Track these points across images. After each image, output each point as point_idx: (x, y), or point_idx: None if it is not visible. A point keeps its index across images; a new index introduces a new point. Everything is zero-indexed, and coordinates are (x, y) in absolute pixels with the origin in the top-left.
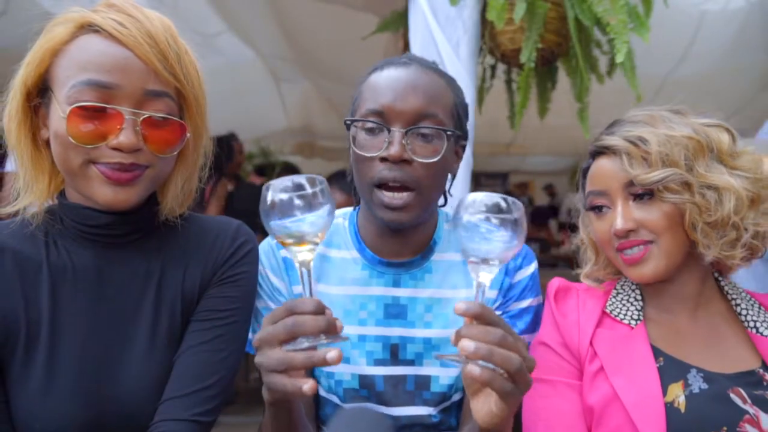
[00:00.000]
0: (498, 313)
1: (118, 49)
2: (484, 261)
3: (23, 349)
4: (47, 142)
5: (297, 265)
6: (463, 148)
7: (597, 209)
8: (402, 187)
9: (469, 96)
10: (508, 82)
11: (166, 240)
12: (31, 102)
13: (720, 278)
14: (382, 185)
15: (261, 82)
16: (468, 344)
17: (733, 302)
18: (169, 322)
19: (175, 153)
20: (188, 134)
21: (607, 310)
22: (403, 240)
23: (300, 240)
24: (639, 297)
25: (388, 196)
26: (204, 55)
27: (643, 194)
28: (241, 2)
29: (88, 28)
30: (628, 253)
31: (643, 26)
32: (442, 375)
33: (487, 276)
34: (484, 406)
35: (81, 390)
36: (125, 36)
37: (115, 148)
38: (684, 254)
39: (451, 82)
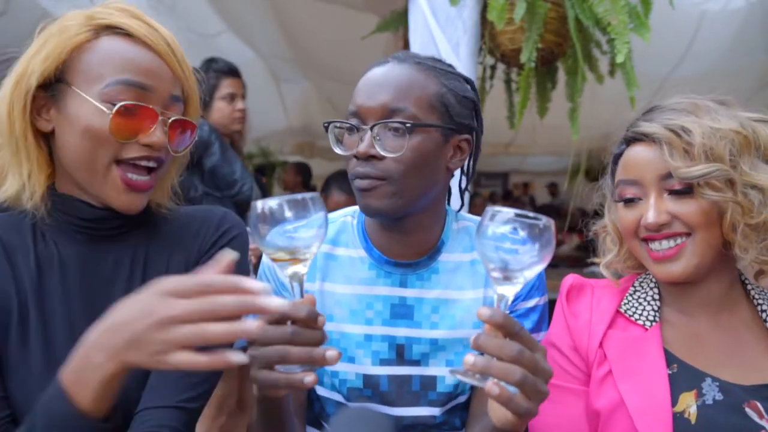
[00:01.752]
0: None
1: (150, 54)
2: (507, 278)
3: (18, 334)
4: (43, 134)
5: (287, 280)
6: (468, 140)
7: (627, 200)
8: (367, 177)
9: None
10: (508, 82)
11: (152, 231)
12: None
13: (747, 282)
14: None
15: (261, 82)
16: (468, 358)
17: (759, 308)
18: None
19: (185, 152)
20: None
21: (622, 309)
22: (408, 239)
23: (293, 254)
24: (657, 296)
25: (356, 182)
26: (204, 55)
27: (681, 189)
28: (241, 2)
29: (110, 29)
30: (658, 248)
31: (643, 26)
32: (448, 376)
33: (510, 289)
34: (500, 410)
35: None
36: (155, 43)
37: (146, 145)
38: (717, 255)
39: (440, 74)
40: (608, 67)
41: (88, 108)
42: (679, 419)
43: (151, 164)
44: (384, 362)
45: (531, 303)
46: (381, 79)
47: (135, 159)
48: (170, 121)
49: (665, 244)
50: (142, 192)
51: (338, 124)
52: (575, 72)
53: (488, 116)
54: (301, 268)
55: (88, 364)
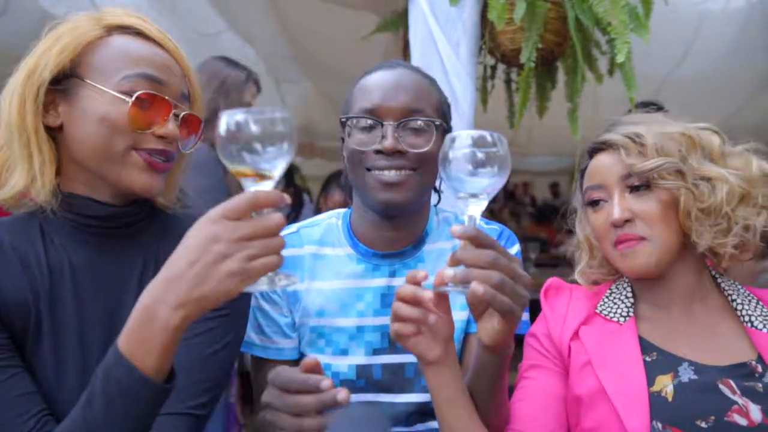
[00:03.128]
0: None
1: (162, 51)
2: (473, 195)
3: (33, 339)
4: (49, 129)
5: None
6: None
7: (594, 203)
8: (395, 167)
9: (469, 96)
10: (508, 82)
11: (160, 234)
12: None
13: (716, 275)
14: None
15: (261, 82)
16: (447, 271)
17: (729, 297)
18: None
19: (193, 148)
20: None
21: (598, 310)
22: (397, 230)
23: (257, 170)
24: (630, 295)
25: (385, 174)
26: (204, 54)
27: (640, 185)
28: (242, 2)
29: (121, 29)
30: (623, 243)
31: (642, 27)
32: None
33: (476, 209)
34: (488, 324)
35: (84, 384)
36: (165, 42)
37: (160, 136)
38: (677, 248)
39: (434, 83)
40: (607, 67)
41: (105, 98)
42: (656, 398)
43: (163, 158)
44: (377, 351)
45: (511, 252)
46: (399, 82)
47: (150, 150)
48: (182, 115)
49: (632, 244)
50: (161, 174)
51: (353, 122)
52: (575, 72)
53: (488, 116)
54: (265, 186)
55: (152, 322)
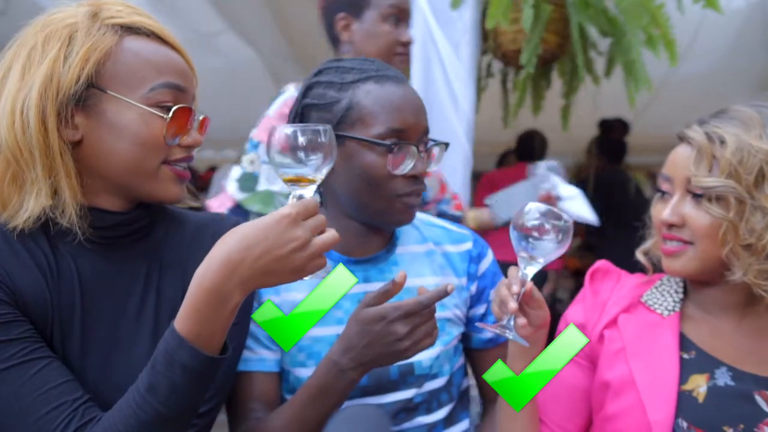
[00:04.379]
0: (485, 304)
1: (176, 54)
2: (533, 258)
3: (56, 337)
4: (65, 144)
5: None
6: None
7: (661, 192)
8: (416, 194)
9: (469, 96)
10: (504, 81)
11: (164, 239)
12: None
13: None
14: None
15: (261, 82)
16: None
17: None
18: (170, 325)
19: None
20: None
21: (643, 300)
22: (369, 237)
23: (302, 176)
24: (681, 290)
25: (412, 199)
26: (204, 54)
27: (700, 195)
28: (241, 2)
29: (129, 30)
30: (668, 244)
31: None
32: (423, 358)
33: (532, 270)
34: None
35: (88, 391)
36: (175, 42)
37: (187, 146)
38: (719, 266)
39: None
40: (604, 68)
41: (135, 113)
42: (687, 397)
43: (186, 166)
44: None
45: (488, 259)
46: (417, 101)
47: (179, 161)
48: (200, 119)
49: (669, 244)
50: (186, 181)
51: (396, 145)
52: (574, 74)
53: (485, 116)
54: (310, 190)
55: (225, 303)
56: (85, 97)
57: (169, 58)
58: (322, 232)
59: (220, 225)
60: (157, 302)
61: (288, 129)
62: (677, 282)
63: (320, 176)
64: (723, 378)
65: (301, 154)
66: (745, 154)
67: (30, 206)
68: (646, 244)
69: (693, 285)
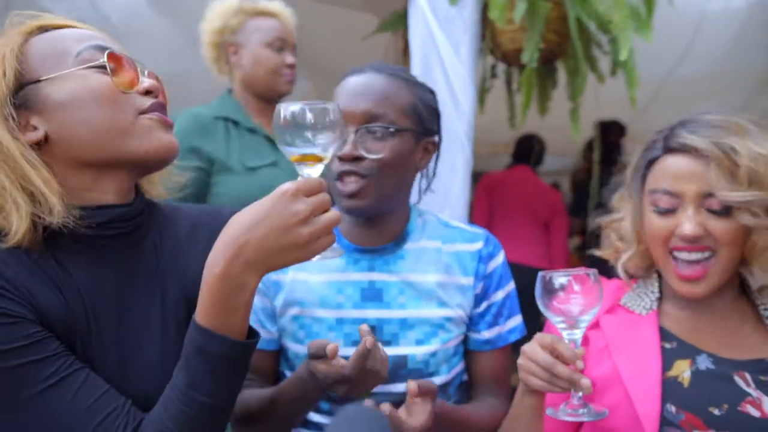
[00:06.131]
0: (485, 303)
1: (90, 29)
2: (572, 326)
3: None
4: (25, 146)
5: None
6: (434, 143)
7: (662, 210)
8: (352, 174)
9: (470, 96)
10: (508, 82)
11: (163, 238)
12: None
13: (744, 277)
14: (339, 178)
15: None
16: (585, 381)
17: (756, 300)
18: (176, 326)
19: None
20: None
21: (621, 303)
22: (377, 229)
23: (312, 154)
24: (656, 291)
25: (341, 185)
26: (203, 54)
27: (720, 210)
28: None
29: (40, 29)
30: (686, 258)
31: (645, 27)
32: (418, 353)
33: (578, 333)
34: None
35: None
36: (83, 23)
37: (147, 91)
38: (734, 271)
39: (411, 85)
40: (609, 66)
41: (75, 79)
42: (672, 383)
43: (164, 113)
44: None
45: (508, 288)
46: (362, 87)
47: (152, 108)
48: (147, 71)
49: (694, 255)
50: (171, 128)
51: None
52: (577, 72)
53: (488, 116)
54: (318, 169)
55: (242, 288)
56: (25, 98)
57: (84, 31)
58: (326, 211)
59: (216, 220)
60: (162, 308)
61: (295, 106)
62: (652, 284)
63: (327, 155)
64: (704, 363)
65: (308, 133)
66: (759, 165)
67: (15, 220)
68: (625, 257)
69: (670, 288)
